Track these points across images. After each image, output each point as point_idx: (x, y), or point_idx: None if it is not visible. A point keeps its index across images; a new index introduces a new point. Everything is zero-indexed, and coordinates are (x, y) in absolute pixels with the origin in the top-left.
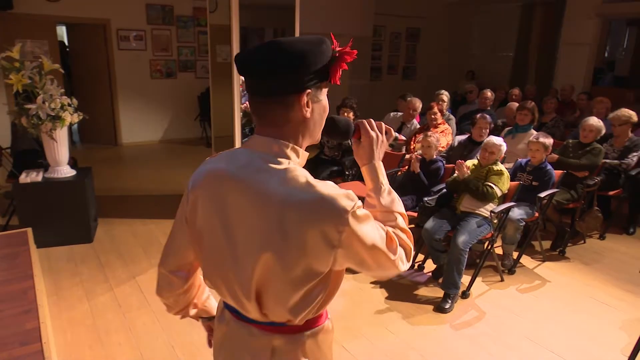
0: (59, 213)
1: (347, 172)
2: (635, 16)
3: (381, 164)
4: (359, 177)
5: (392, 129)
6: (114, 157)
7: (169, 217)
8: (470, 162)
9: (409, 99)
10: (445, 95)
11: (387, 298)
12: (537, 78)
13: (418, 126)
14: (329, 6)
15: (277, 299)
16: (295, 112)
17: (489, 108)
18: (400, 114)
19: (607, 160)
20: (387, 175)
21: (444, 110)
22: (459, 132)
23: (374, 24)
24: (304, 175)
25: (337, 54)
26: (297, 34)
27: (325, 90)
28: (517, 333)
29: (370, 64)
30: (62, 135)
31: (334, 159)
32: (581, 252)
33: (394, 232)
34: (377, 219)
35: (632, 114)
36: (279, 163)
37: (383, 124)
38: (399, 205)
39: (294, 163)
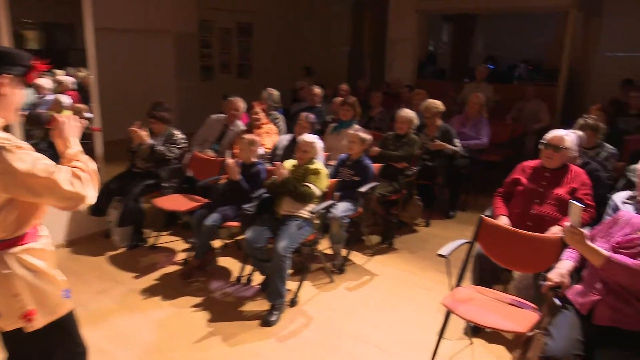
0: None
1: (164, 185)
2: (449, 12)
3: (75, 138)
4: (180, 190)
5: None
6: None
7: None
8: (289, 163)
9: (229, 99)
10: (270, 94)
11: (209, 320)
12: (372, 73)
13: (243, 128)
14: (145, 0)
15: None
16: None
17: (318, 105)
18: (224, 115)
19: (449, 146)
20: (207, 183)
21: (269, 110)
22: (292, 130)
23: (200, 19)
24: None
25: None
26: (89, 29)
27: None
28: (343, 334)
29: (200, 63)
30: None
31: (149, 171)
32: (408, 242)
33: (71, 167)
34: (64, 164)
35: (439, 104)
36: None
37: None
38: (81, 156)
39: None
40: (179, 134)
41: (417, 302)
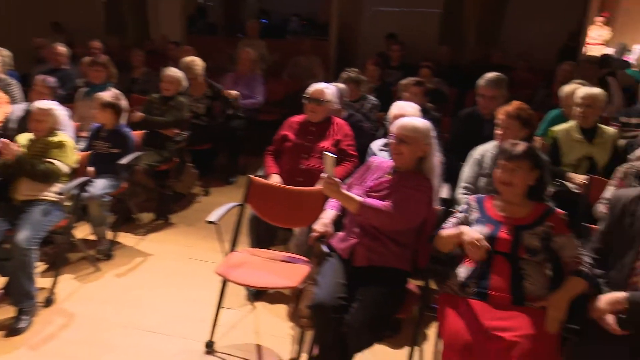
0: None
1: None
2: None
3: None
4: None
5: None
6: None
7: None
8: (25, 137)
9: None
10: None
11: None
12: (135, 28)
13: None
14: None
15: None
16: None
17: (65, 66)
18: None
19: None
20: None
21: None
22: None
23: None
24: None
25: None
26: None
27: None
28: (112, 325)
29: None
30: None
31: None
32: (186, 214)
33: None
34: None
35: (199, 62)
36: None
37: None
38: None
39: None
40: None
41: (198, 276)
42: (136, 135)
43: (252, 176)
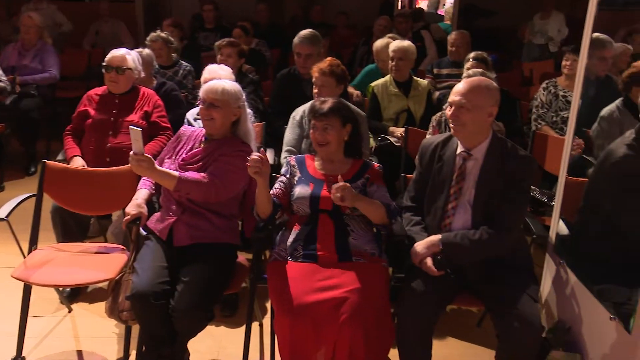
0: None
1: None
2: None
3: None
4: None
5: None
6: None
7: None
8: None
9: None
10: None
11: None
12: None
13: None
14: None
15: None
16: None
17: None
18: None
19: None
20: None
21: None
22: None
23: None
24: None
25: None
26: None
27: None
28: None
29: None
30: None
31: None
32: None
33: None
34: None
35: None
36: None
37: None
38: None
39: None
40: None
41: None
42: None
43: (46, 161)
